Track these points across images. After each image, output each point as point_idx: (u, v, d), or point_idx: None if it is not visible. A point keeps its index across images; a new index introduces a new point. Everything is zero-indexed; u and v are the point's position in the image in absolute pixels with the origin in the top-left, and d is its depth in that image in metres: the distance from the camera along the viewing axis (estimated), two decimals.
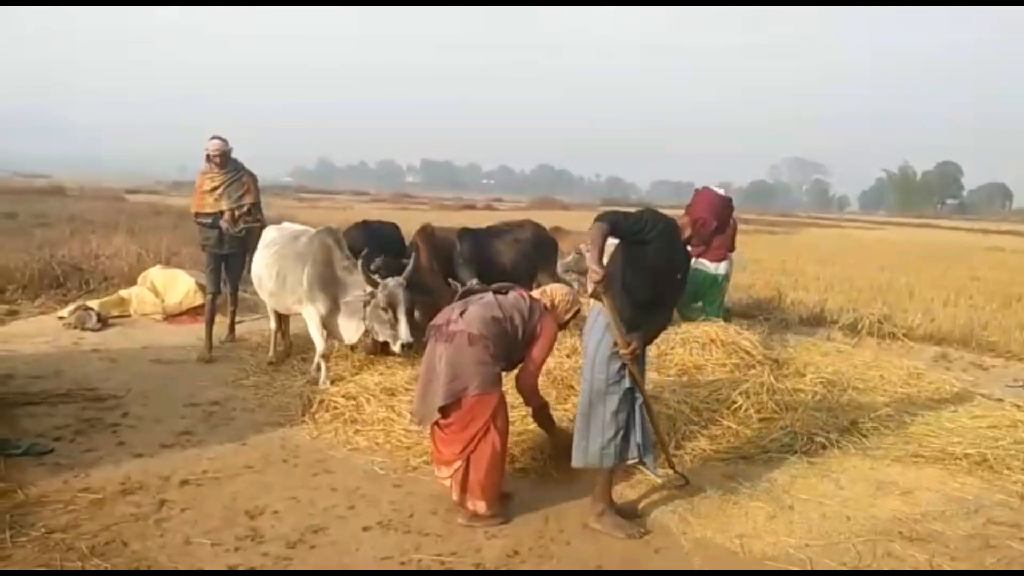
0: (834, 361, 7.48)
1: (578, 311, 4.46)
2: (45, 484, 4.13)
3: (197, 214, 7.14)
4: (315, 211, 27.67)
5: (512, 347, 4.10)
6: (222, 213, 6.99)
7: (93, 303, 8.30)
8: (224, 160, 7.04)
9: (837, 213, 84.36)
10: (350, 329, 6.13)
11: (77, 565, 3.32)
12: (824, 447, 5.18)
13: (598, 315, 3.88)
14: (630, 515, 4.12)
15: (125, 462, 4.50)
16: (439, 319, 4.24)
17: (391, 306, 5.70)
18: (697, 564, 3.69)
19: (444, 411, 3.93)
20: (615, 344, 3.79)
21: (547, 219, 10.75)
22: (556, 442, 4.53)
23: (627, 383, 3.89)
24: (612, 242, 3.88)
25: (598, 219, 3.73)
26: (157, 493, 4.12)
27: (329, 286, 6.09)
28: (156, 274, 9.02)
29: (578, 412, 4.03)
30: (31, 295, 9.25)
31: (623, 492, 4.38)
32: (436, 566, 3.54)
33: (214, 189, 7.01)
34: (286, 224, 7.28)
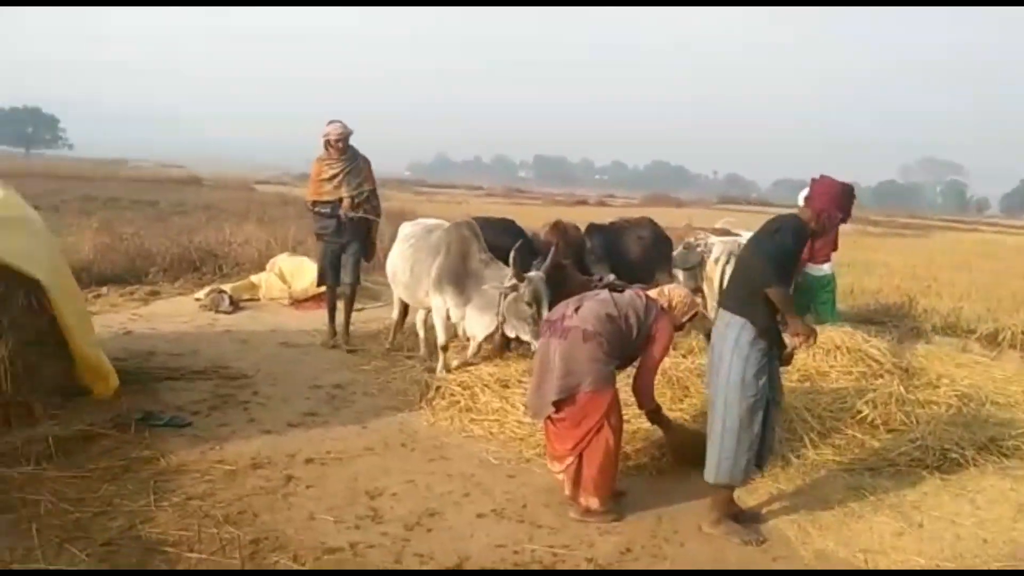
0: (971, 373, 7.01)
1: (696, 313, 4.36)
2: (184, 454, 4.40)
3: (315, 202, 6.93)
4: (432, 204, 28.24)
5: (626, 346, 4.06)
6: (340, 201, 6.81)
7: (226, 287, 8.78)
8: (345, 146, 6.82)
9: (975, 216, 79.05)
10: (482, 323, 5.88)
11: (212, 532, 3.52)
12: (959, 464, 4.87)
13: (737, 333, 3.74)
14: (748, 521, 4.01)
15: (255, 438, 4.75)
16: (554, 314, 4.26)
17: (535, 300, 5.44)
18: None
19: (557, 406, 3.94)
20: (760, 360, 3.72)
21: (660, 216, 10.58)
22: (672, 440, 4.46)
23: (767, 396, 3.79)
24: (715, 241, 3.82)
25: (769, 287, 3.64)
26: (284, 469, 4.32)
27: (461, 279, 5.91)
28: (284, 261, 9.44)
29: (717, 430, 3.82)
30: (171, 277, 9.87)
31: (740, 498, 4.27)
32: (549, 558, 3.56)
33: (333, 176, 6.81)
34: (421, 219, 7.20)
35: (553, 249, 6.13)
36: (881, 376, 6.20)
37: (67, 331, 4.83)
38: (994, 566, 3.68)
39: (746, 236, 8.11)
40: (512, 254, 5.55)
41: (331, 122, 6.82)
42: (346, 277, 7.01)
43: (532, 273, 5.51)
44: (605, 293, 4.22)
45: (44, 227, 5.29)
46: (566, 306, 4.20)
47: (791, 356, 4.02)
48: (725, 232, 8.92)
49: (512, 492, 4.22)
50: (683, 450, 4.43)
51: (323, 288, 8.93)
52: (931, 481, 4.64)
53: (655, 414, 4.33)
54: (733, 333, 3.77)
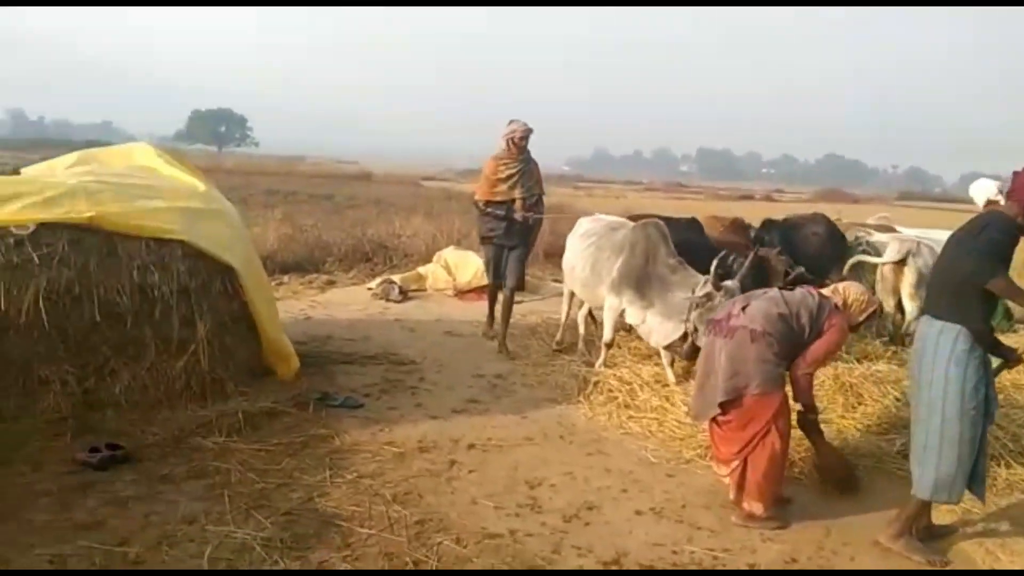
0: None
1: (873, 312, 4.12)
2: (356, 434, 4.66)
3: (487, 203, 6.68)
4: (590, 199, 28.19)
5: (797, 346, 3.86)
6: (512, 202, 6.60)
7: (396, 277, 9.22)
8: (525, 145, 6.61)
9: None
10: (665, 330, 5.65)
11: (381, 510, 3.71)
12: None
13: (953, 341, 3.45)
14: (936, 538, 3.74)
15: (422, 422, 4.96)
16: (720, 312, 4.14)
17: None
18: None
19: (723, 408, 3.84)
20: (978, 369, 3.46)
21: (833, 212, 10.05)
22: (820, 454, 4.17)
23: (984, 408, 3.52)
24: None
25: (989, 282, 3.39)
26: (448, 453, 4.48)
27: (644, 281, 5.68)
28: (449, 254, 9.79)
29: (933, 444, 3.51)
30: (345, 267, 10.50)
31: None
32: (709, 560, 3.48)
33: (509, 177, 6.58)
34: (600, 215, 7.02)
35: (751, 255, 5.80)
36: None
37: (257, 315, 5.24)
38: None
39: (907, 233, 7.52)
40: (714, 264, 5.31)
41: (512, 121, 6.63)
42: (510, 280, 6.80)
43: (729, 283, 5.28)
44: (775, 291, 4.05)
45: (239, 219, 5.77)
46: (733, 304, 4.08)
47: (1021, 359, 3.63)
48: (888, 228, 8.30)
49: (671, 492, 4.16)
50: (828, 472, 4.17)
51: (486, 281, 9.24)
52: None
53: (809, 416, 4.04)
54: (947, 341, 3.46)
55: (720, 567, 3.44)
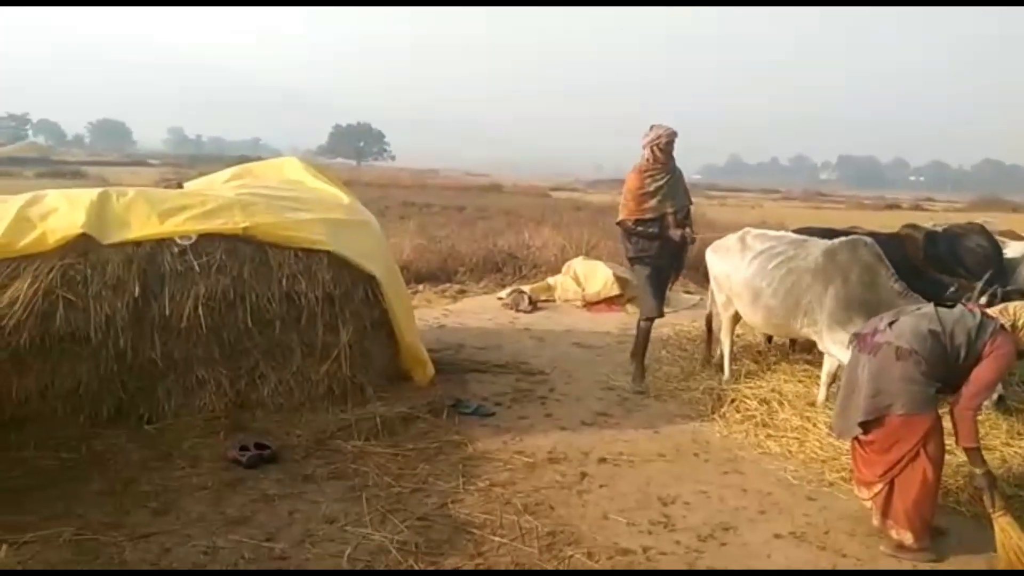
0: None
1: None
2: (488, 442, 4.72)
3: (637, 221, 5.86)
4: (723, 209, 27.53)
5: (951, 367, 3.56)
6: (664, 218, 5.83)
7: (526, 287, 9.30)
8: (671, 152, 5.86)
9: None
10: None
11: (512, 519, 3.73)
12: None
13: None
14: None
15: (552, 433, 4.96)
16: (866, 327, 3.91)
17: None
18: None
19: (865, 428, 3.62)
20: None
21: (991, 220, 9.32)
22: (981, 485, 3.57)
23: None
24: None
25: None
26: (579, 466, 4.45)
27: (870, 311, 4.69)
28: (578, 264, 9.78)
29: None
30: (476, 277, 10.72)
31: None
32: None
33: (658, 190, 5.80)
34: (765, 231, 6.25)
35: (988, 276, 5.18)
36: None
37: (395, 323, 5.42)
38: None
39: None
40: (980, 286, 4.89)
41: (655, 126, 5.86)
42: (665, 307, 6.18)
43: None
44: (929, 307, 3.77)
45: (379, 230, 5.98)
46: (880, 319, 3.84)
47: None
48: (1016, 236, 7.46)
49: (812, 515, 3.96)
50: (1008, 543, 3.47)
51: (615, 292, 9.15)
52: None
53: (973, 452, 3.57)
54: None
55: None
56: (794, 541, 3.69)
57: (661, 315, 6.07)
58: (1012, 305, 3.73)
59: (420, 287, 9.84)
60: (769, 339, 7.01)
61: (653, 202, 5.80)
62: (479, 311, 8.63)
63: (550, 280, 9.75)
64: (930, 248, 6.07)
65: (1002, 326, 3.58)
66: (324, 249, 5.12)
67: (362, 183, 31.88)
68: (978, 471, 3.50)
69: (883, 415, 3.56)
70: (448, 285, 10.06)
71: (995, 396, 5.03)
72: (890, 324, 3.71)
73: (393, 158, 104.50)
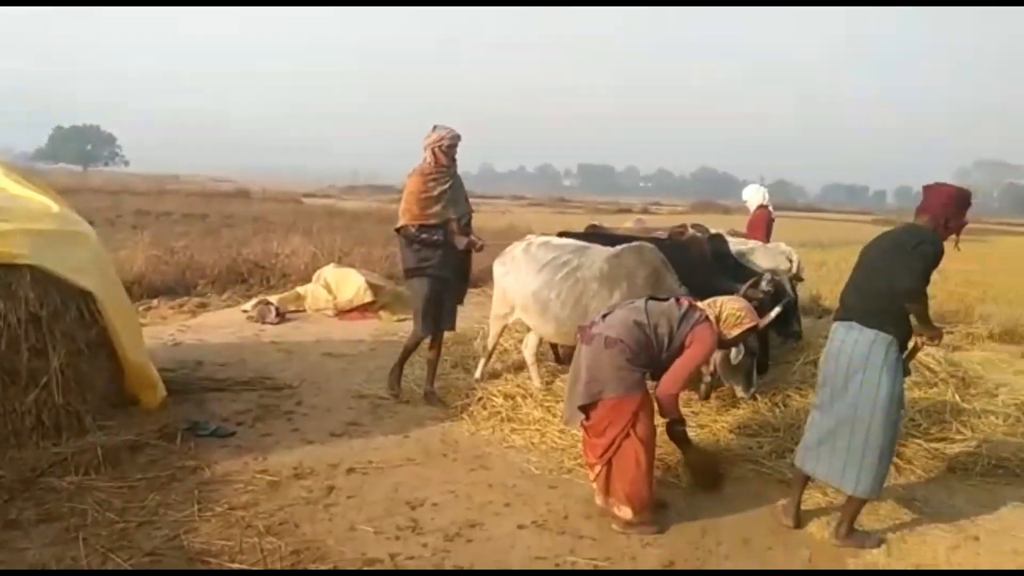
0: None
1: (752, 328, 4.10)
2: (228, 464, 4.44)
3: (421, 227, 5.51)
4: (478, 215, 28.29)
5: (654, 354, 3.91)
6: (447, 225, 5.57)
7: (273, 298, 8.89)
8: (454, 155, 5.58)
9: None
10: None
11: (254, 542, 3.53)
12: (1017, 475, 4.71)
13: (885, 350, 3.65)
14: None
15: (298, 448, 4.77)
16: (589, 320, 4.21)
17: (759, 350, 4.95)
18: None
19: (587, 414, 3.91)
20: (900, 375, 3.73)
21: (707, 223, 10.43)
22: (691, 461, 4.29)
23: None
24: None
25: (913, 303, 3.67)
26: (326, 479, 4.33)
27: None
28: (329, 272, 9.54)
29: (857, 445, 3.70)
30: (219, 289, 10.08)
31: (786, 509, 4.15)
32: (591, 569, 3.50)
33: (442, 194, 5.50)
34: (543, 237, 6.16)
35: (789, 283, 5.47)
36: (936, 385, 6.02)
37: (117, 342, 4.92)
38: None
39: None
40: (743, 290, 5.11)
41: (437, 127, 5.55)
42: (449, 323, 5.86)
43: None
44: (640, 300, 4.10)
45: (97, 241, 5.40)
46: (599, 313, 4.15)
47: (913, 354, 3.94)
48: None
49: (553, 503, 4.17)
50: (701, 473, 4.32)
51: (368, 299, 9.05)
52: (988, 493, 4.50)
53: (675, 427, 4.09)
54: (880, 350, 3.66)
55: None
56: (536, 530, 3.86)
57: (433, 334, 5.75)
58: (721, 299, 4.16)
59: (154, 302, 9.06)
60: (557, 356, 6.80)
61: (438, 207, 5.50)
62: (221, 325, 8.12)
63: (300, 289, 9.41)
64: (717, 249, 6.35)
65: (707, 317, 3.99)
66: (26, 264, 4.54)
67: (88, 190, 28.98)
68: (677, 427, 4.08)
69: (597, 400, 3.84)
70: (187, 299, 9.35)
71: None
72: (604, 316, 4.03)
73: (127, 163, 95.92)
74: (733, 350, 4.53)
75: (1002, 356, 8.02)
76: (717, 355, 4.91)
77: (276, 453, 4.66)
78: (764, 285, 5.41)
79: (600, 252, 5.60)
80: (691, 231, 6.56)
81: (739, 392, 5.17)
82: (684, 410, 5.52)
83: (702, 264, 5.75)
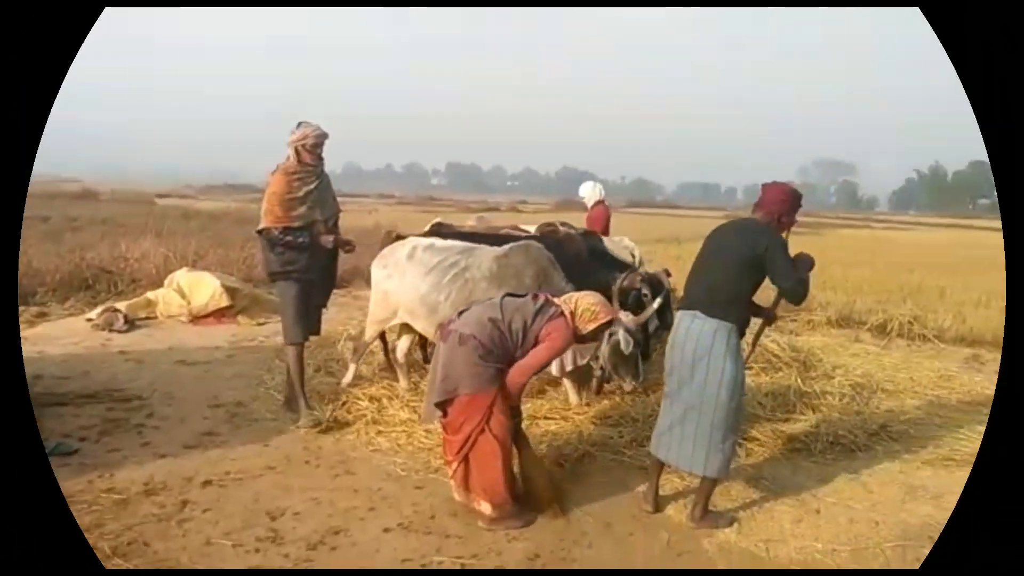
0: (863, 363, 7.37)
1: (608, 323, 4.16)
2: (70, 484, 4.14)
3: (285, 229, 5.21)
4: (344, 215, 27.75)
5: (509, 350, 3.94)
6: (313, 226, 5.30)
7: (121, 305, 8.41)
8: (320, 154, 5.32)
9: (866, 213, 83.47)
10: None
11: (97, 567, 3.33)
12: (852, 450, 5.10)
13: (727, 337, 3.85)
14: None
15: (149, 462, 4.52)
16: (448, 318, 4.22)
17: (643, 340, 4.94)
18: (721, 568, 3.64)
19: (444, 411, 3.93)
20: (741, 359, 3.96)
21: (571, 221, 10.69)
22: (523, 462, 4.19)
23: None
24: None
25: (801, 289, 3.97)
26: (180, 494, 4.13)
27: None
28: (182, 276, 9.10)
29: (704, 427, 3.86)
30: (61, 297, 9.41)
31: (639, 492, 4.32)
32: (457, 568, 3.51)
33: (308, 194, 5.24)
34: (425, 241, 5.90)
35: (664, 279, 5.52)
36: (780, 369, 6.43)
37: None
38: (886, 547, 3.83)
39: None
40: (616, 288, 5.11)
41: (302, 123, 5.27)
42: (317, 328, 5.62)
43: (623, 314, 4.90)
44: (497, 298, 4.12)
45: None
46: (457, 311, 4.17)
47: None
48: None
49: (420, 503, 4.15)
50: (530, 482, 4.14)
51: (224, 304, 8.70)
52: (827, 468, 4.83)
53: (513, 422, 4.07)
54: (723, 337, 3.84)
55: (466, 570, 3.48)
56: (402, 532, 3.83)
57: (306, 339, 5.47)
58: (578, 294, 4.20)
59: None
60: (425, 356, 6.68)
61: (303, 209, 5.21)
62: (63, 336, 7.58)
63: (150, 295, 8.92)
64: (593, 246, 6.33)
65: (562, 312, 4.04)
66: None
67: None
68: (514, 421, 4.06)
69: (452, 396, 3.85)
70: (23, 308, 8.67)
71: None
72: (460, 313, 4.05)
73: None
74: (623, 340, 4.70)
75: (839, 340, 8.67)
76: (606, 348, 5.01)
77: (125, 469, 4.40)
78: (638, 281, 5.58)
79: (488, 252, 5.58)
80: (563, 229, 6.69)
81: (626, 386, 5.25)
82: (554, 403, 5.67)
83: (579, 260, 5.86)
